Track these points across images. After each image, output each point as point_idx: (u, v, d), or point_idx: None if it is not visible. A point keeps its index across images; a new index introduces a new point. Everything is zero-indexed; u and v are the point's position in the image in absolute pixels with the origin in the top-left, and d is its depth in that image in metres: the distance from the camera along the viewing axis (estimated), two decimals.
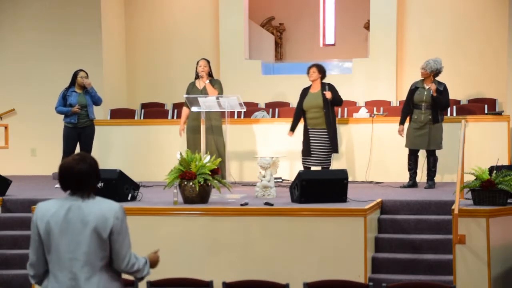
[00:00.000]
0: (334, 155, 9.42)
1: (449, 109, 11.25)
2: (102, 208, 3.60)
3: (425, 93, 8.85)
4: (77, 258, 3.56)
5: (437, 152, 9.00)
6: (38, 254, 3.65)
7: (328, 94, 9.12)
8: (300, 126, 9.42)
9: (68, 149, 9.37)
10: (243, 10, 12.70)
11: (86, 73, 9.65)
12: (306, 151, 9.24)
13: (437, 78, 9.00)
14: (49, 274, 3.63)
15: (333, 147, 9.18)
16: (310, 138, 9.21)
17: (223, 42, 12.65)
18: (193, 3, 13.19)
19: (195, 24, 13.09)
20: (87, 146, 9.58)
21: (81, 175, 3.61)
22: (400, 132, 9.05)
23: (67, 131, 9.55)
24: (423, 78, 8.96)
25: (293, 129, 9.43)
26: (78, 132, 9.54)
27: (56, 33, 12.31)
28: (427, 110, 8.84)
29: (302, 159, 9.30)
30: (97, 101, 9.65)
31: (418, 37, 12.25)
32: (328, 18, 16.59)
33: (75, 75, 9.65)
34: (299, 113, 9.39)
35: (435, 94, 8.74)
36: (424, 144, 8.89)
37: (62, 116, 9.60)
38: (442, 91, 8.85)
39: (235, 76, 12.50)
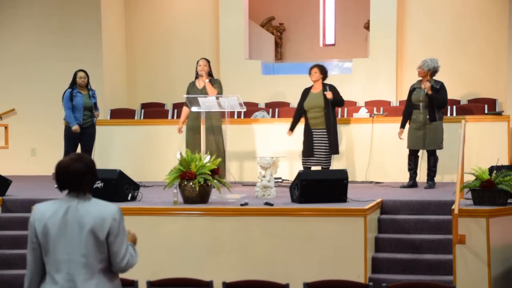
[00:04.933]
0: (334, 155, 9.41)
1: (449, 109, 11.28)
2: (99, 210, 3.59)
3: (422, 92, 8.86)
4: (74, 260, 3.54)
5: (437, 152, 9.00)
6: (35, 256, 3.62)
7: (329, 94, 9.15)
8: (300, 126, 9.43)
9: (69, 149, 9.35)
10: (243, 10, 12.70)
11: (85, 73, 9.65)
12: (308, 151, 9.24)
13: (435, 77, 8.99)
14: (46, 276, 3.61)
15: (332, 148, 9.19)
16: (314, 138, 9.21)
17: (223, 42, 12.65)
18: (193, 3, 13.20)
19: (195, 24, 13.09)
20: (88, 147, 9.58)
21: (77, 175, 3.59)
22: (399, 135, 9.09)
23: (69, 131, 9.54)
24: (420, 78, 8.98)
25: (292, 128, 9.47)
26: (81, 133, 9.53)
27: (56, 33, 12.31)
28: (425, 109, 8.85)
29: (303, 159, 9.30)
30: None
31: (418, 37, 12.25)
32: (328, 18, 16.60)
33: (74, 75, 9.65)
34: (299, 113, 9.42)
35: (430, 92, 8.75)
36: (423, 144, 8.89)
37: (62, 115, 9.60)
38: (439, 89, 8.85)
39: (235, 76, 12.50)
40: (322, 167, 9.18)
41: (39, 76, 12.21)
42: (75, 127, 9.46)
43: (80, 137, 9.56)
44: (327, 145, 9.15)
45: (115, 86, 12.75)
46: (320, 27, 16.59)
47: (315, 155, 9.21)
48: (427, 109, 8.83)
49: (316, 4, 16.43)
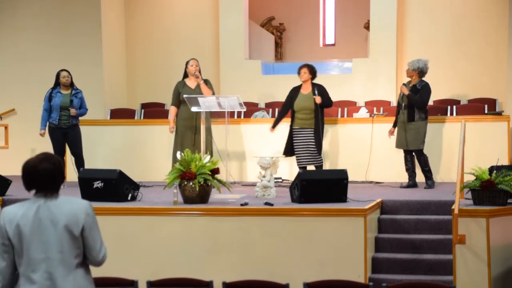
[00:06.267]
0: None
1: (449, 109, 11.29)
2: (71, 206, 3.60)
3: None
4: (51, 258, 3.55)
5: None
6: (6, 259, 3.60)
7: (318, 99, 9.16)
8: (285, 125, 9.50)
9: (56, 149, 9.36)
10: (243, 10, 12.70)
11: (69, 72, 9.63)
12: (288, 151, 9.28)
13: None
14: (20, 278, 3.59)
15: (318, 148, 9.19)
16: (294, 138, 9.23)
17: (223, 42, 12.65)
18: (193, 3, 13.19)
19: (195, 24, 13.09)
20: (75, 148, 9.54)
21: (46, 175, 3.60)
22: (389, 133, 9.21)
23: (51, 131, 9.57)
24: (407, 76, 9.05)
25: (275, 125, 9.56)
26: (63, 133, 9.52)
27: (56, 33, 12.31)
28: (405, 109, 8.92)
29: (296, 160, 9.32)
30: (81, 113, 9.63)
31: (418, 37, 12.25)
32: (328, 18, 16.60)
33: (57, 75, 9.63)
34: (286, 112, 9.45)
35: (406, 93, 8.80)
36: (403, 144, 8.94)
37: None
38: (420, 89, 8.88)
39: (235, 76, 12.50)
40: (315, 166, 9.20)
41: (39, 76, 12.19)
42: (41, 132, 9.55)
43: (64, 138, 9.53)
44: (312, 145, 9.14)
45: (115, 86, 12.75)
46: (320, 27, 16.59)
47: (298, 155, 9.21)
48: (407, 109, 8.89)
49: (316, 4, 16.43)
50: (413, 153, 9.02)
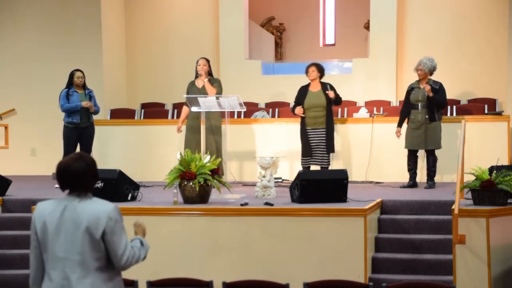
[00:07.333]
0: (333, 154, 9.43)
1: (449, 109, 11.29)
2: (95, 209, 3.59)
3: (421, 92, 8.87)
4: (70, 258, 3.56)
5: (437, 152, 9.00)
6: (36, 253, 3.66)
7: (331, 94, 9.19)
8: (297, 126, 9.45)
9: (68, 150, 9.35)
10: (243, 10, 12.70)
11: (83, 73, 9.65)
12: (307, 152, 9.24)
13: (432, 77, 9.02)
14: (45, 273, 3.64)
15: (331, 147, 9.22)
16: (309, 137, 9.22)
17: (223, 42, 12.65)
18: (193, 3, 13.20)
19: (195, 24, 13.09)
20: (87, 147, 9.59)
21: (77, 174, 3.60)
22: (397, 134, 9.10)
23: (68, 132, 9.52)
24: (420, 78, 8.98)
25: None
26: (79, 132, 9.53)
27: (56, 33, 12.31)
28: (423, 109, 8.86)
29: (302, 159, 9.30)
30: (96, 111, 9.68)
31: (418, 37, 12.25)
32: (328, 18, 16.60)
33: (71, 75, 9.63)
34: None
35: (431, 94, 8.76)
36: (422, 144, 8.90)
37: (62, 115, 9.59)
38: (438, 90, 8.86)
39: (235, 76, 12.49)
40: (321, 167, 9.19)
41: (39, 76, 12.21)
42: (84, 103, 9.42)
43: (79, 137, 9.55)
44: (325, 144, 9.18)
45: (115, 86, 12.75)
46: (320, 27, 16.59)
47: (314, 155, 9.22)
48: (426, 109, 8.84)
49: (316, 4, 16.43)
50: (417, 154, 9.00)
